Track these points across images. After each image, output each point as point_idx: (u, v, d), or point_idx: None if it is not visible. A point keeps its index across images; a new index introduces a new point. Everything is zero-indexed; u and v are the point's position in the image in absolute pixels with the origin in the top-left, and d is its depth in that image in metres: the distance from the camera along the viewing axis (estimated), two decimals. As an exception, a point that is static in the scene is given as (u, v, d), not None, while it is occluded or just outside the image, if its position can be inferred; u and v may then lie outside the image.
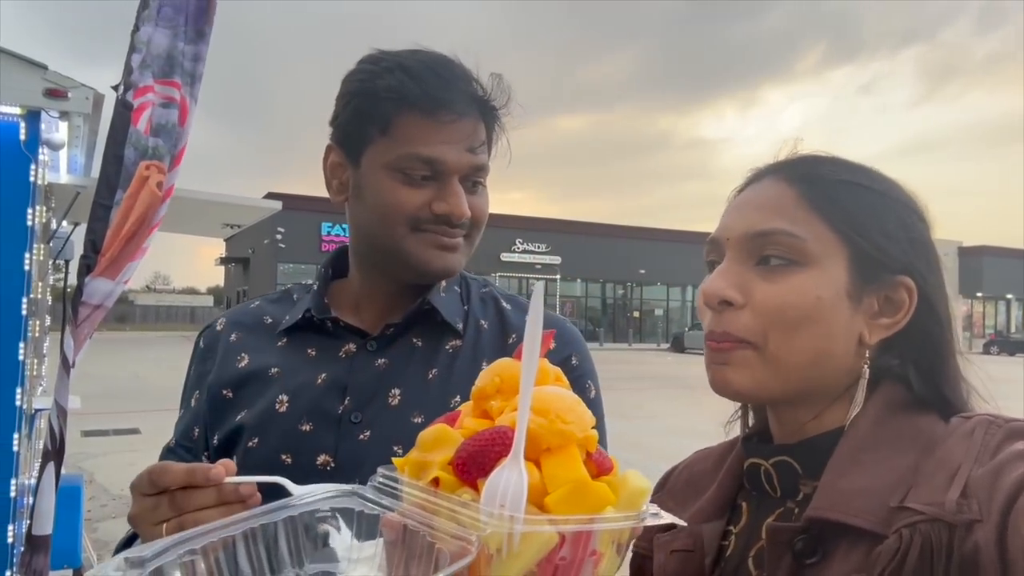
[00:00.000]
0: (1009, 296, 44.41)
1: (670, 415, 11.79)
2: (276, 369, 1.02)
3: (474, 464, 0.50)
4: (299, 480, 0.92)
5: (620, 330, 39.04)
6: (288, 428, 0.97)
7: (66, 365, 2.28)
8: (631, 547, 0.59)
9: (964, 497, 0.61)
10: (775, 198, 0.76)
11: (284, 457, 0.95)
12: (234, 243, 35.71)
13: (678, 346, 33.81)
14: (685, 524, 0.62)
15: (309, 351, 1.04)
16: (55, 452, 2.27)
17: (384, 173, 0.97)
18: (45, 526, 2.28)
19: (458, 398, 0.97)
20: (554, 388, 0.57)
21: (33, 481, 2.94)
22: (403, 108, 0.95)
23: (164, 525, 0.72)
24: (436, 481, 0.52)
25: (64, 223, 5.18)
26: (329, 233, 32.73)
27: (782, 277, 0.73)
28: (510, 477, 0.48)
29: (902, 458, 0.68)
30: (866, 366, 0.74)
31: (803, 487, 0.74)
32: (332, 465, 0.95)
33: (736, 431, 0.88)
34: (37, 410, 3.58)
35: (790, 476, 0.75)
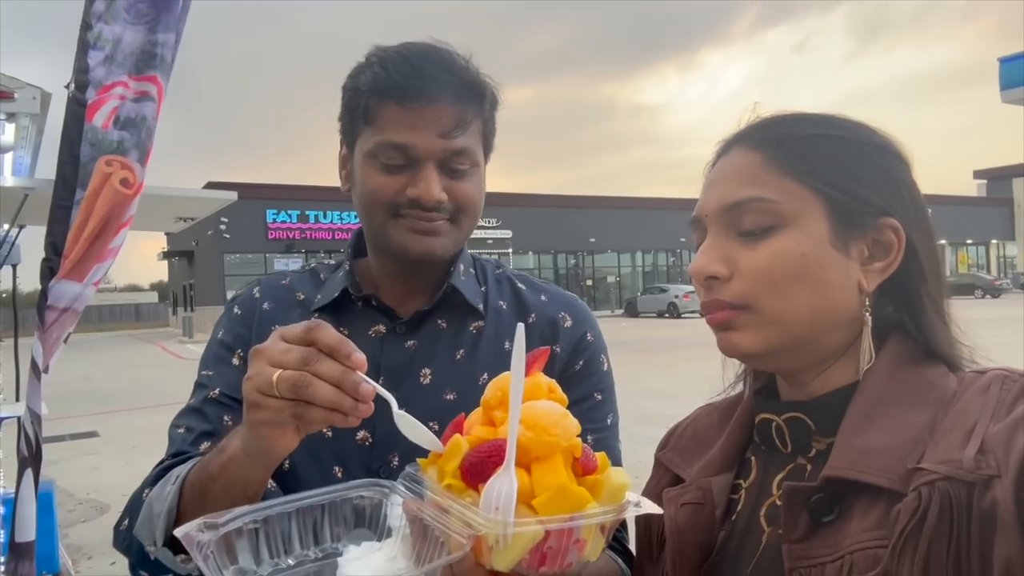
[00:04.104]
0: (942, 241, 46.30)
1: (626, 377, 11.99)
2: None
3: (475, 472, 0.62)
4: (339, 454, 1.02)
5: (574, 299, 39.29)
6: None
7: (36, 371, 2.26)
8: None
9: (981, 453, 0.61)
10: (743, 167, 0.77)
11: (325, 431, 0.99)
12: (176, 236, 34.61)
13: (632, 311, 34.35)
14: (661, 511, 0.65)
15: (341, 329, 1.06)
16: (32, 458, 2.26)
17: (366, 161, 1.03)
18: (28, 532, 2.27)
19: (486, 376, 1.04)
20: (544, 403, 0.66)
21: (2, 491, 2.90)
22: (379, 98, 1.00)
23: (279, 373, 0.71)
24: (449, 486, 0.64)
25: (6, 227, 5.00)
26: (275, 220, 31.96)
27: (763, 243, 0.74)
28: (502, 485, 0.60)
29: (917, 414, 0.68)
30: (867, 314, 0.74)
31: (816, 444, 0.75)
32: (370, 440, 1.01)
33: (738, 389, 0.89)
34: (1, 419, 3.49)
35: (802, 433, 0.76)
